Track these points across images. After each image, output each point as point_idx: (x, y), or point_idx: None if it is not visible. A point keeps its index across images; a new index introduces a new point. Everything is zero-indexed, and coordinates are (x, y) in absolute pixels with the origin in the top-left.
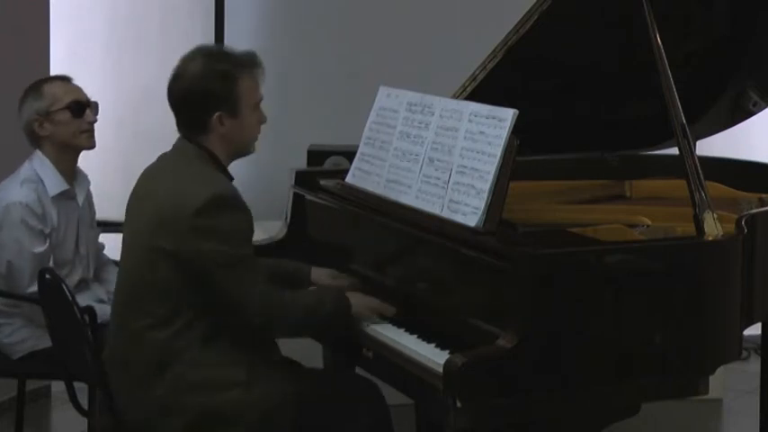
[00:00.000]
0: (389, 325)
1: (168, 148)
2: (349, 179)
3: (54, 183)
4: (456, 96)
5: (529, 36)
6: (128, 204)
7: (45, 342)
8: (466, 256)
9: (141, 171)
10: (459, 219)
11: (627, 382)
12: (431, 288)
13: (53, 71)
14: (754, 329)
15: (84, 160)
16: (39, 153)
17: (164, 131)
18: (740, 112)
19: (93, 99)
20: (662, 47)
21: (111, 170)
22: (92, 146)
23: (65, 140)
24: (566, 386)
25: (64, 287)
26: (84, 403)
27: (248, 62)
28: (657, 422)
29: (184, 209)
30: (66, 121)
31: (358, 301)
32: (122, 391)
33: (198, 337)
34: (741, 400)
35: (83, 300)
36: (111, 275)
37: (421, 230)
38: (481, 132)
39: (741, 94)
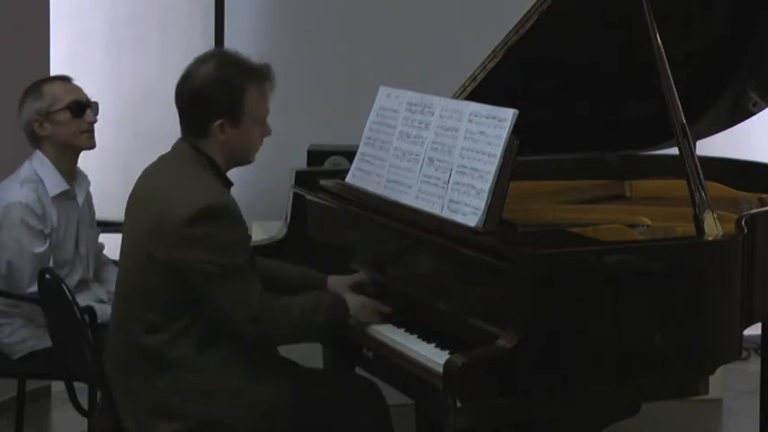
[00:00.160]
0: (389, 325)
1: (168, 148)
2: (349, 179)
3: (54, 183)
4: (456, 96)
5: (529, 36)
6: (127, 205)
7: (45, 342)
8: (466, 256)
9: (141, 171)
10: (459, 219)
11: (627, 382)
12: (431, 288)
13: (53, 71)
14: (754, 329)
15: (84, 160)
16: (39, 153)
17: (164, 131)
18: (740, 112)
19: (93, 99)
20: (662, 47)
21: (111, 170)
22: (92, 146)
23: (65, 140)
24: (566, 386)
25: (64, 287)
26: (84, 403)
27: (260, 75)
28: (657, 422)
29: (177, 217)
30: (66, 121)
31: (356, 303)
32: (121, 392)
33: (194, 344)
34: (741, 400)
35: (83, 300)
36: (111, 275)
37: (421, 230)
38: (481, 132)
39: (741, 94)
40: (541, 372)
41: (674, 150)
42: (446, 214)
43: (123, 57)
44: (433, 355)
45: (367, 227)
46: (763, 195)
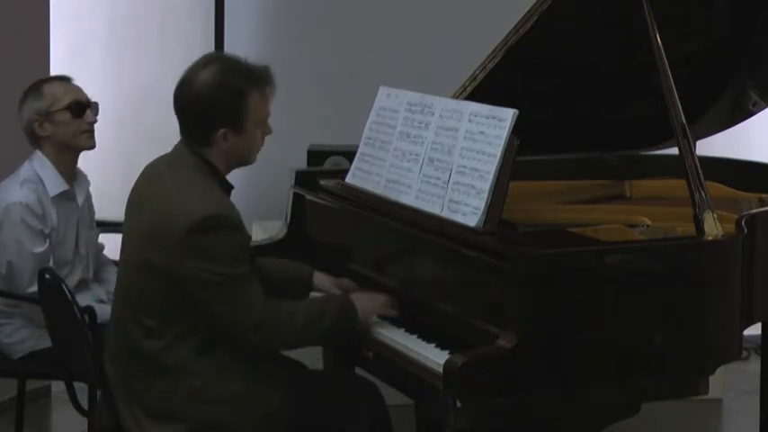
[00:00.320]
0: (389, 325)
1: (168, 148)
2: (349, 179)
3: (54, 183)
4: (456, 96)
5: (529, 36)
6: (127, 205)
7: (45, 342)
8: (466, 256)
9: (141, 171)
10: (459, 219)
11: (627, 382)
12: (431, 288)
13: (53, 71)
14: (754, 329)
15: (84, 160)
16: (39, 153)
17: (164, 131)
18: (740, 112)
19: (93, 99)
20: (662, 47)
21: (111, 170)
22: (92, 146)
23: (65, 141)
24: (566, 386)
25: (64, 287)
26: (84, 403)
27: (261, 79)
28: (657, 422)
29: (176, 226)
30: (66, 121)
31: (364, 305)
32: (121, 391)
33: (192, 349)
34: (741, 400)
35: (83, 300)
36: (111, 275)
37: (421, 230)
38: (481, 132)
39: (741, 94)
40: (541, 372)
41: (674, 150)
42: (446, 214)
43: (123, 57)
44: (432, 355)
45: (367, 227)
46: (763, 195)
